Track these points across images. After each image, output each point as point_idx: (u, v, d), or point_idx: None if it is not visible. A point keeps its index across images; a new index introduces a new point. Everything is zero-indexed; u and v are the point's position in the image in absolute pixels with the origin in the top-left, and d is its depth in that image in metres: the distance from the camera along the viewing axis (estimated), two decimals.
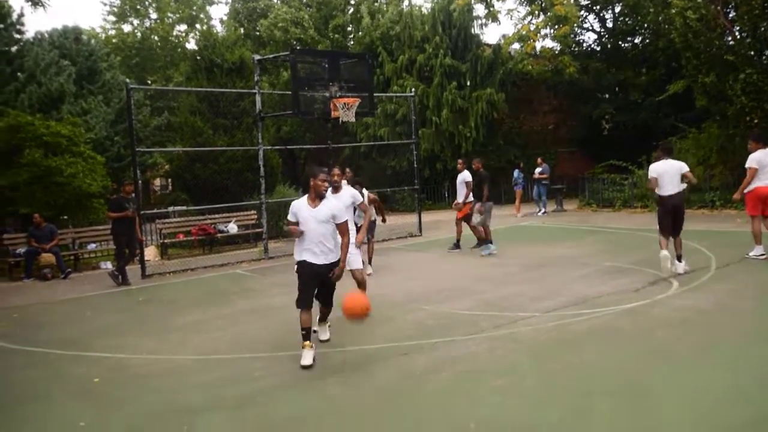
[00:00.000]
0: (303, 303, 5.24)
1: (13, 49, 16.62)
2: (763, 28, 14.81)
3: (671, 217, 8.06)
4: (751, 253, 8.66)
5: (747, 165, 8.67)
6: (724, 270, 8.08)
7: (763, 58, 15.19)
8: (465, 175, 11.01)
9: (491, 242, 10.75)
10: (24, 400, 4.81)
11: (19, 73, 16.04)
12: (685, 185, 8.24)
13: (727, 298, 6.60)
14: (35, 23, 44.18)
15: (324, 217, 5.24)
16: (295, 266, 5.39)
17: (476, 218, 10.76)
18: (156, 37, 35.46)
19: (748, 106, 14.56)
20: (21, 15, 17.06)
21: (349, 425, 4.00)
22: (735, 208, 14.80)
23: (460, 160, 11.63)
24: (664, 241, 8.02)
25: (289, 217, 5.42)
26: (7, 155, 12.92)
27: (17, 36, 17.04)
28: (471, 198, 10.98)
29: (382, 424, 3.99)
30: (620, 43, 24.21)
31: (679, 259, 8.06)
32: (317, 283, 5.38)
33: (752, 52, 15.21)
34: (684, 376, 4.47)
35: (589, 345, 5.32)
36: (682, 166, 8.15)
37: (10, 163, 12.86)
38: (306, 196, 5.44)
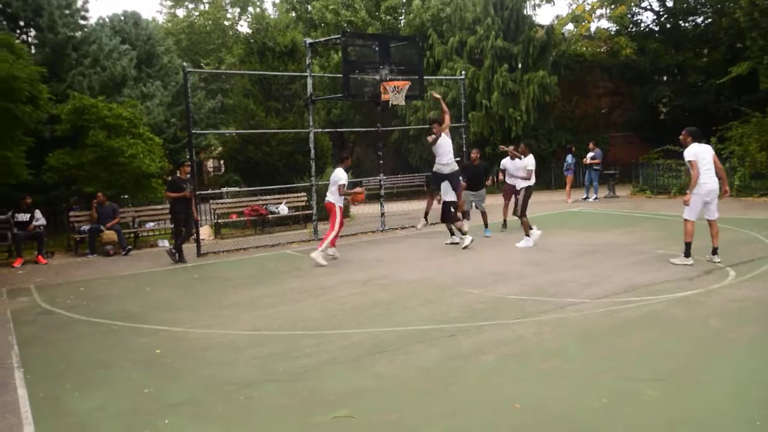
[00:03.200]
0: None
1: (78, 34, 17.28)
2: None
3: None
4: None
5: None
6: None
7: None
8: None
9: None
10: (93, 368, 5.13)
11: (84, 58, 16.69)
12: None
13: None
14: (96, 8, 45.97)
15: None
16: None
17: None
18: (209, 21, 36.14)
19: None
20: (85, 1, 17.79)
21: (395, 403, 4.12)
22: None
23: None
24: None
25: None
26: (73, 136, 13.55)
27: (82, 22, 17.72)
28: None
29: (427, 403, 4.09)
30: (680, 22, 23.26)
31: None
32: None
33: None
34: (738, 365, 4.39)
35: (638, 332, 5.27)
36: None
37: (75, 144, 13.50)
38: None
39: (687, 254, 7.86)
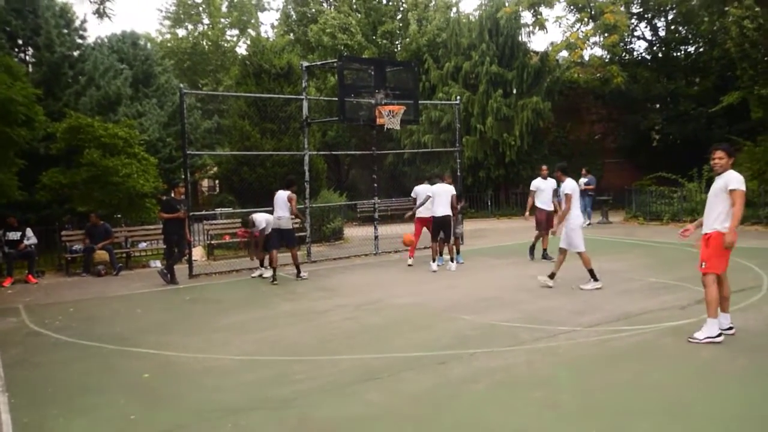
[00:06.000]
0: None
1: (75, 53, 17.37)
2: None
3: None
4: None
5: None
6: None
7: None
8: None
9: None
10: (80, 392, 5.07)
11: (80, 77, 16.75)
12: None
13: None
14: (96, 29, 46.33)
15: None
16: None
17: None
18: (208, 42, 36.42)
19: None
20: (84, 21, 17.94)
21: (385, 430, 4.08)
22: None
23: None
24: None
25: None
26: (67, 155, 13.53)
27: (79, 41, 17.83)
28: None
29: (417, 430, 4.06)
30: (672, 52, 23.64)
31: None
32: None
33: None
34: (729, 399, 4.38)
35: (630, 362, 5.26)
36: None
37: (70, 163, 13.47)
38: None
39: (595, 278, 8.42)
